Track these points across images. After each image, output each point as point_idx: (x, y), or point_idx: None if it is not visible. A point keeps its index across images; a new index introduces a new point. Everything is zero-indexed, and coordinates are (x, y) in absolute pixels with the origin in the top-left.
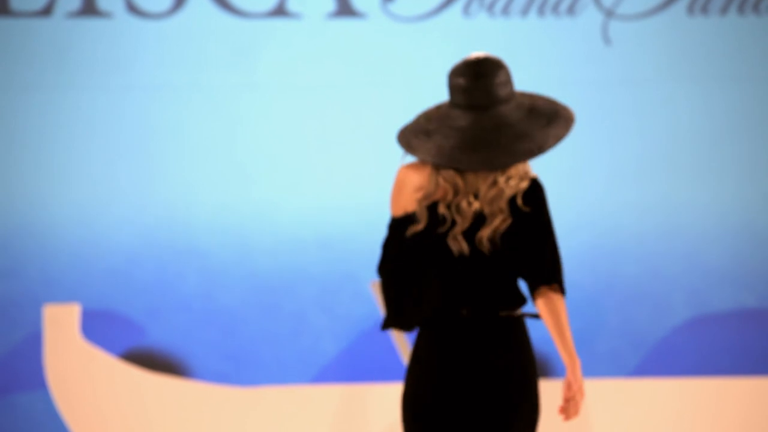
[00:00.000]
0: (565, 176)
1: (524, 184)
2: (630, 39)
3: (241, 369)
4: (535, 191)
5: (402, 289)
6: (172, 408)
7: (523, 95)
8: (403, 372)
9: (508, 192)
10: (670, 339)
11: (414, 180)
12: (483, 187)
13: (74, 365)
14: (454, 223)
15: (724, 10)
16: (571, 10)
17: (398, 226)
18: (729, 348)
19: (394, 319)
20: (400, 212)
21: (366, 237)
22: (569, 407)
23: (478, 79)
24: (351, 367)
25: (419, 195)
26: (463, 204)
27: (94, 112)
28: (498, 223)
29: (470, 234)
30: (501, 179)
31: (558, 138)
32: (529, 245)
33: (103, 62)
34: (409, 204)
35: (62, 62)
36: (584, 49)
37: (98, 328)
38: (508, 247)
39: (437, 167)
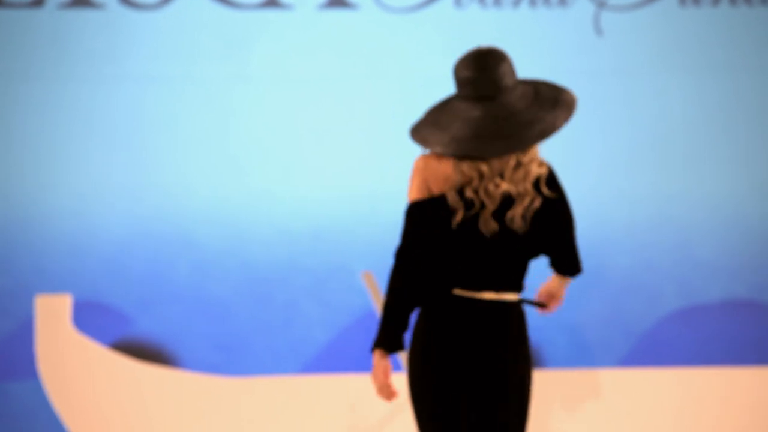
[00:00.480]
0: (556, 167)
1: (544, 170)
2: (622, 30)
3: (232, 359)
4: (554, 178)
5: (421, 270)
6: (163, 398)
7: (526, 83)
8: (393, 363)
9: (532, 174)
10: (660, 329)
11: (438, 169)
12: (507, 170)
13: (66, 355)
14: (483, 205)
15: (716, 0)
16: (563, 1)
17: (420, 209)
18: (719, 338)
19: (404, 298)
20: (422, 194)
21: (358, 228)
22: (550, 305)
23: (483, 71)
24: (342, 357)
25: (447, 186)
26: (491, 187)
27: (86, 103)
28: (528, 202)
29: (499, 215)
30: (524, 160)
31: (566, 118)
32: (557, 234)
33: (95, 54)
34: (435, 187)
35: (55, 54)
36: (576, 40)
37: (90, 318)
38: (537, 227)
39: (458, 157)
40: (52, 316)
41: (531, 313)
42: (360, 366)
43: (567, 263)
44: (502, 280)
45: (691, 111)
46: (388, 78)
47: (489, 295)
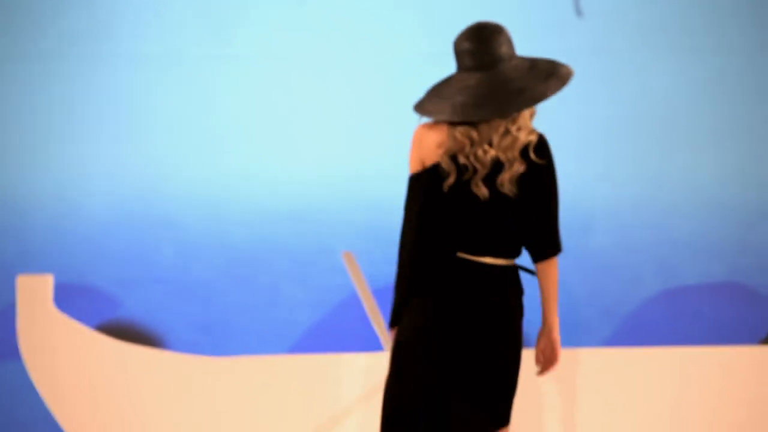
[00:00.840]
0: None
1: (534, 138)
2: (602, 10)
3: (215, 339)
4: (545, 146)
5: (424, 239)
6: (146, 378)
7: (525, 58)
8: (375, 343)
9: (520, 141)
10: (640, 309)
11: (432, 137)
12: (496, 137)
13: (47, 335)
14: (476, 170)
15: None
16: None
17: (419, 180)
18: (699, 319)
19: (415, 265)
20: (418, 167)
21: (339, 209)
22: (548, 364)
23: (481, 42)
24: (324, 337)
25: (441, 150)
26: (480, 152)
27: (67, 83)
28: (516, 167)
29: (490, 180)
30: (512, 128)
31: (556, 89)
32: (540, 201)
33: (79, 33)
34: (428, 158)
35: (38, 32)
36: (555, 19)
37: (72, 299)
38: (524, 191)
39: (453, 123)
40: (34, 296)
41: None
42: (342, 346)
43: (546, 238)
44: (498, 244)
45: (671, 92)
46: (370, 59)
47: (487, 260)
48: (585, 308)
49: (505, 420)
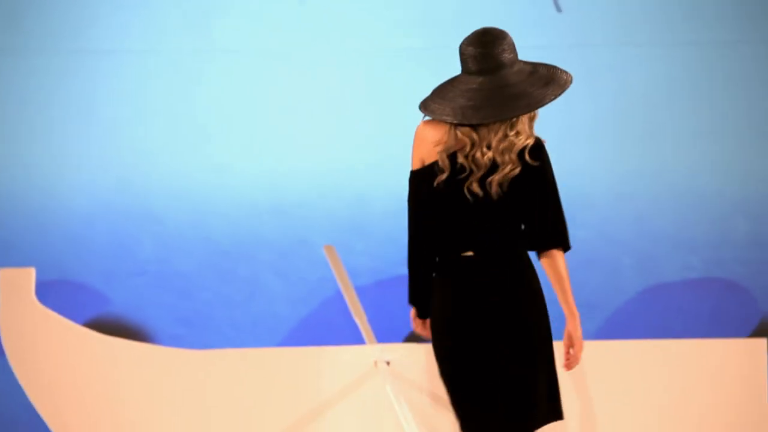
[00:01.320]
0: None
1: (531, 141)
2: (581, 4)
3: (195, 332)
4: (540, 148)
5: (427, 232)
6: (127, 370)
7: (527, 63)
8: (357, 336)
9: (518, 145)
10: (618, 302)
11: (432, 135)
12: (494, 140)
13: (29, 328)
14: (471, 171)
15: None
16: None
17: (417, 177)
18: (677, 311)
19: (418, 259)
20: (418, 165)
21: (320, 202)
22: (571, 359)
23: (484, 47)
24: (306, 331)
25: (440, 148)
26: (478, 154)
27: (49, 76)
28: (508, 170)
29: (483, 180)
30: (510, 133)
31: (554, 95)
32: (535, 202)
33: (58, 26)
34: (428, 156)
35: (17, 26)
36: (535, 15)
37: (54, 293)
38: (516, 193)
39: (454, 124)
40: (16, 289)
41: None
42: (322, 339)
43: (546, 232)
44: (492, 237)
45: (650, 87)
46: (353, 53)
47: (479, 251)
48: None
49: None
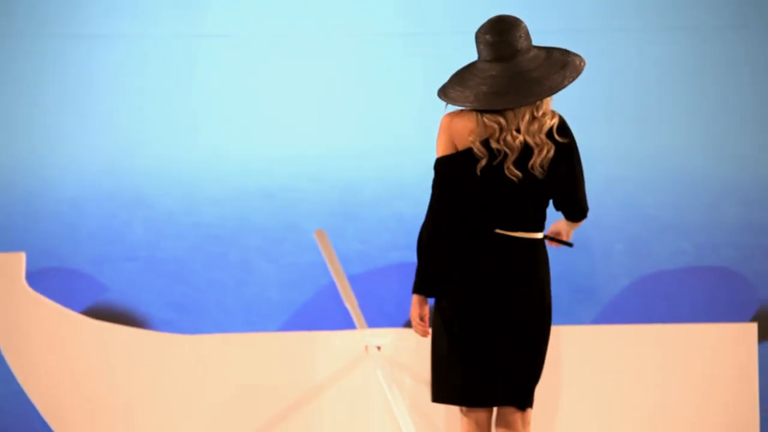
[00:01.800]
0: None
1: (555, 120)
2: None
3: (185, 317)
4: (565, 126)
5: (456, 215)
6: (118, 355)
7: (541, 48)
8: (348, 321)
9: (546, 126)
10: (611, 287)
11: (462, 124)
12: (523, 124)
13: (20, 312)
14: (506, 155)
15: None
16: None
17: (445, 163)
18: (669, 296)
19: (440, 242)
20: (448, 151)
21: (310, 187)
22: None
23: (501, 35)
24: (297, 315)
25: (472, 137)
26: (509, 138)
27: (40, 61)
28: (545, 152)
29: (521, 163)
30: (538, 115)
31: (572, 78)
32: (569, 177)
33: (49, 11)
34: (460, 143)
35: (8, 10)
36: (525, 0)
37: (45, 278)
38: (552, 171)
39: (479, 111)
40: (6, 274)
41: None
42: (314, 324)
43: (575, 206)
44: (528, 220)
45: (641, 71)
46: (345, 38)
47: (519, 234)
48: (557, 286)
49: (525, 400)
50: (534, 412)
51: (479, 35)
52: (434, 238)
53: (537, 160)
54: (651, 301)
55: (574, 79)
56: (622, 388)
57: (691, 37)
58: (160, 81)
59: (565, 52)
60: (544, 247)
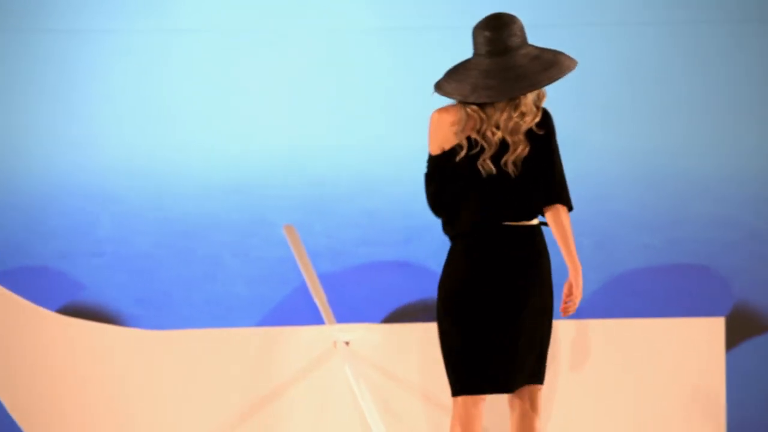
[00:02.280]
0: None
1: (537, 118)
2: None
3: (153, 313)
4: (546, 119)
5: (448, 207)
6: (84, 351)
7: (536, 48)
8: (317, 316)
9: (524, 126)
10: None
11: (447, 118)
12: (502, 120)
13: None
14: (483, 148)
15: None
16: None
17: (437, 160)
18: (636, 291)
19: (446, 228)
20: (437, 150)
21: (279, 182)
22: (569, 306)
23: (494, 32)
24: (265, 310)
25: (456, 128)
26: (488, 133)
27: (8, 54)
28: (520, 150)
29: (497, 159)
30: (515, 114)
31: (553, 78)
32: (541, 167)
33: (20, 5)
34: (446, 141)
35: None
36: None
37: (12, 274)
38: (527, 168)
39: (464, 103)
40: None
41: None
42: (282, 319)
43: (551, 190)
44: (513, 210)
45: (609, 66)
46: (313, 33)
47: (510, 224)
48: None
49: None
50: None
51: (475, 30)
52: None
53: (510, 158)
54: (623, 299)
55: (555, 79)
56: (590, 383)
57: (659, 32)
58: (128, 76)
59: (557, 53)
60: (540, 233)
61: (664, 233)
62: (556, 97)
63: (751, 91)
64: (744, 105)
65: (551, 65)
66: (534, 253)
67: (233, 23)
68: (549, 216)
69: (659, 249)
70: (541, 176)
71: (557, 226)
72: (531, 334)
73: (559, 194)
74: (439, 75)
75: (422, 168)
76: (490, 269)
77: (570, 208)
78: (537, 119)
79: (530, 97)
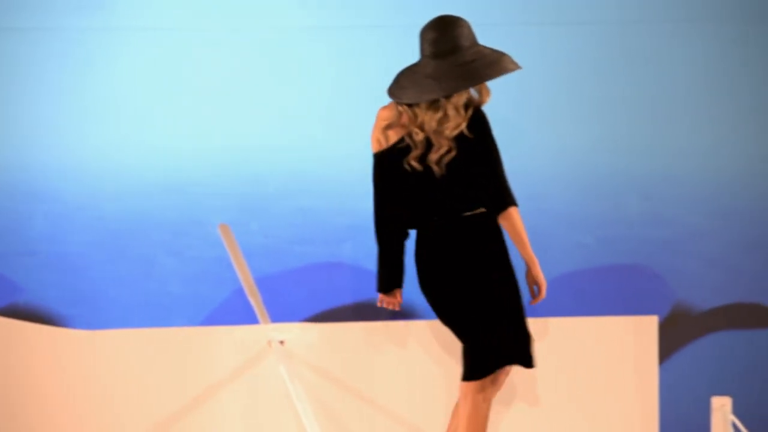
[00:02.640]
0: None
1: (463, 123)
2: None
3: (87, 312)
4: (477, 120)
5: (393, 205)
6: (16, 351)
7: (476, 51)
8: (251, 316)
9: (448, 130)
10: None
11: (383, 114)
12: (426, 122)
13: None
14: (410, 148)
15: None
16: None
17: (379, 158)
18: (570, 290)
19: (390, 230)
20: (377, 146)
21: (215, 182)
22: (536, 298)
23: (435, 33)
24: (199, 310)
25: (385, 125)
26: (413, 133)
27: None
28: (443, 151)
29: (423, 158)
30: (435, 116)
31: (466, 85)
32: (479, 171)
33: None
34: (383, 137)
35: None
36: None
37: None
38: (457, 170)
39: (401, 104)
40: None
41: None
42: (217, 318)
43: (497, 195)
44: (446, 205)
45: (547, 66)
46: (248, 31)
47: (439, 218)
48: None
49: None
50: (440, 400)
51: (422, 33)
52: (379, 230)
53: (434, 158)
54: (561, 298)
55: (468, 86)
56: (524, 382)
57: (595, 31)
58: (61, 75)
59: (501, 55)
60: (491, 220)
61: (599, 232)
62: (494, 96)
63: (687, 90)
64: (679, 104)
65: (465, 75)
66: (485, 241)
67: (168, 22)
68: (502, 221)
69: (594, 248)
70: (483, 181)
71: (512, 229)
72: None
73: (505, 198)
74: (374, 74)
75: (357, 167)
76: (434, 264)
77: (516, 204)
78: (465, 122)
79: (457, 99)
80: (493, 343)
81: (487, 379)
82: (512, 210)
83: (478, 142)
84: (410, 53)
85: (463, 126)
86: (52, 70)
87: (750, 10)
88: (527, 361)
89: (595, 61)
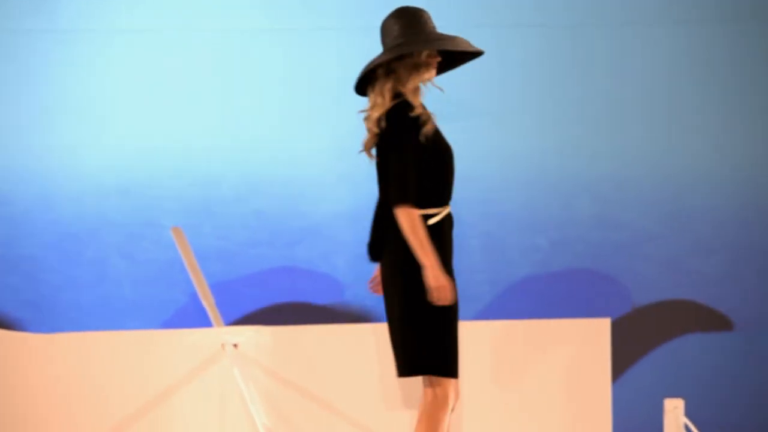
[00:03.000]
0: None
1: (381, 111)
2: None
3: (41, 316)
4: (389, 115)
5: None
6: None
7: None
8: (204, 318)
9: (372, 118)
10: (467, 281)
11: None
12: (366, 112)
13: None
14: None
15: None
16: None
17: None
18: (523, 291)
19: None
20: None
21: (167, 183)
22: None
23: (404, 18)
24: (153, 313)
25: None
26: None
27: None
28: (368, 138)
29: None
30: (368, 105)
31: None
32: (383, 164)
33: None
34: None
35: None
36: None
37: None
38: (380, 158)
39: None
40: None
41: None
42: (169, 322)
43: (389, 192)
44: (382, 201)
45: (500, 70)
46: (202, 33)
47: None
48: None
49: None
50: (395, 402)
51: (385, 25)
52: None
53: (367, 145)
54: (514, 302)
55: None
56: (478, 384)
57: (546, 35)
58: (16, 77)
59: (383, 54)
60: (394, 223)
61: (550, 234)
62: (446, 100)
63: (640, 94)
64: (632, 108)
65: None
66: (390, 240)
67: (121, 23)
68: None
69: (546, 250)
70: (385, 177)
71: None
72: (391, 324)
73: (391, 196)
74: (327, 76)
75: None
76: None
77: (402, 204)
78: (380, 112)
79: (378, 90)
80: (396, 346)
81: (426, 379)
82: (397, 210)
83: (381, 135)
84: (364, 55)
85: (381, 113)
86: (5, 74)
87: (701, 12)
88: (397, 369)
89: (547, 64)
